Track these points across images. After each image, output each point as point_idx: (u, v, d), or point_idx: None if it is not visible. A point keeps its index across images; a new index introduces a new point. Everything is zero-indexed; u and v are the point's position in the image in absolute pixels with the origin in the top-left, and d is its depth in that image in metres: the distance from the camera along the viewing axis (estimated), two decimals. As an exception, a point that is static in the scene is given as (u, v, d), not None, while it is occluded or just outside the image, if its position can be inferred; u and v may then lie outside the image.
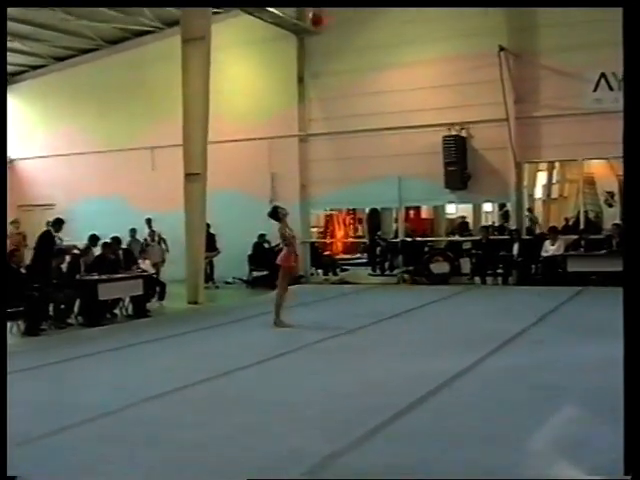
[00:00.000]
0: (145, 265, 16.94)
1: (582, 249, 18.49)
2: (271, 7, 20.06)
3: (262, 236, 21.56)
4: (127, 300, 15.62)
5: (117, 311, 15.54)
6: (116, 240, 16.07)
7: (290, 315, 13.47)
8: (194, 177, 17.42)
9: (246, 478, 5.17)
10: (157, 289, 16.78)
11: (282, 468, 5.50)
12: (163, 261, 20.07)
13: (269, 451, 5.95)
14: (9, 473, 4.79)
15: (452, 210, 27.03)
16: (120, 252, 16.40)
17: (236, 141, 22.18)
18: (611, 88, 18.86)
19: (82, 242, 16.83)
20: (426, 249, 21.72)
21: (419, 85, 20.51)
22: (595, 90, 19.02)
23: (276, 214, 13.31)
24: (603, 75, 18.88)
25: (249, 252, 21.64)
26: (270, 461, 5.69)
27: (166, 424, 6.87)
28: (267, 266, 21.47)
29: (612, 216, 21.87)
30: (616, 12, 18.41)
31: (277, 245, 21.47)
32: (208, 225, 19.06)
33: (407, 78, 20.73)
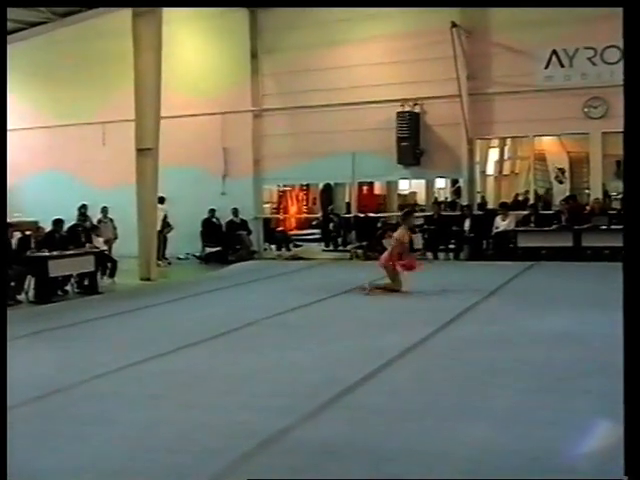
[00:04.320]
0: (97, 242, 16.77)
1: (532, 224, 18.72)
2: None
3: (212, 211, 21.53)
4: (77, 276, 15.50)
5: (68, 288, 15.40)
6: (59, 222, 15.68)
7: (251, 290, 13.45)
8: (146, 152, 17.23)
9: (212, 461, 5.18)
10: (108, 266, 16.65)
11: (234, 443, 5.51)
12: (115, 238, 19.88)
13: (221, 426, 5.95)
14: None
15: (405, 186, 27.15)
16: (80, 229, 16.29)
17: (189, 116, 21.98)
18: (562, 65, 19.06)
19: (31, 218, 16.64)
20: (379, 225, 21.81)
21: (373, 61, 20.51)
22: (546, 67, 19.21)
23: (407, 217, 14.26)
24: (554, 52, 19.07)
25: (201, 228, 21.57)
26: (222, 436, 5.69)
27: (117, 401, 6.82)
28: (219, 242, 21.49)
29: (562, 192, 22.16)
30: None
31: (231, 221, 21.50)
32: (163, 200, 19.03)
33: (361, 54, 20.71)
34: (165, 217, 20.70)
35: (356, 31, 20.69)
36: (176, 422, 6.13)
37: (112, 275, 16.74)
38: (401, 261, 13.27)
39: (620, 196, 21.46)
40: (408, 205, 26.34)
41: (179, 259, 21.80)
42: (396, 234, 13.74)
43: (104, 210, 19.97)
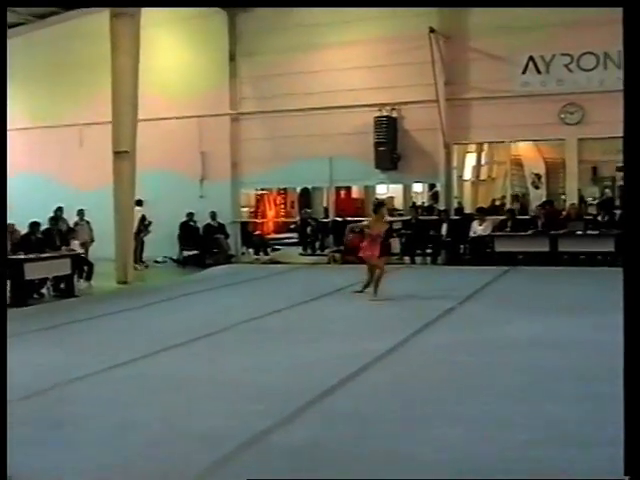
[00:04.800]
0: (73, 245, 16.67)
1: (509, 229, 18.83)
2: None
3: (190, 215, 21.47)
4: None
5: (44, 291, 15.30)
6: (35, 224, 15.57)
7: (228, 294, 13.31)
8: (123, 155, 17.16)
9: (185, 462, 5.17)
10: (85, 269, 16.57)
11: (207, 447, 5.50)
12: (92, 240, 19.74)
13: (197, 430, 5.94)
14: None
15: (383, 191, 27.18)
16: (55, 232, 16.18)
17: (166, 119, 21.89)
18: (539, 71, 19.19)
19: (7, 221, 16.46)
20: (356, 229, 21.79)
21: (351, 65, 20.54)
22: (523, 73, 19.34)
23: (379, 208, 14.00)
24: (531, 58, 19.20)
25: (178, 232, 21.52)
26: (198, 440, 5.69)
27: (93, 404, 6.80)
28: (197, 245, 21.45)
29: (538, 197, 22.29)
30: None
31: (208, 225, 21.44)
32: (140, 202, 18.99)
33: (340, 58, 20.72)
34: (143, 219, 20.63)
35: (334, 35, 20.70)
36: (151, 426, 6.11)
37: (89, 278, 16.66)
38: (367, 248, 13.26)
39: (596, 201, 21.63)
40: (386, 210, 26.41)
41: (156, 262, 21.71)
42: (365, 222, 13.80)
43: (80, 213, 19.84)
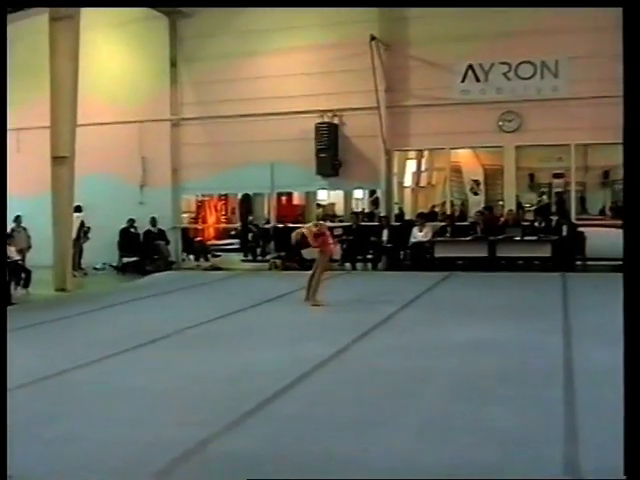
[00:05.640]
0: (10, 252, 16.38)
1: (448, 235, 19.05)
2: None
3: (131, 221, 21.29)
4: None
5: (-21, 298, 15.01)
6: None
7: (169, 301, 13.19)
8: (62, 160, 16.91)
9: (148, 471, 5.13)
10: (22, 276, 16.28)
11: (155, 455, 5.46)
12: (29, 247, 19.44)
13: (141, 439, 5.88)
14: None
15: (324, 197, 27.29)
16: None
17: (106, 124, 21.67)
18: (478, 79, 19.47)
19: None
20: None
21: (293, 72, 20.60)
22: (463, 81, 19.60)
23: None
24: (470, 67, 19.48)
25: (118, 238, 21.31)
26: (142, 449, 5.63)
27: (28, 416, 6.66)
28: (137, 252, 21.25)
29: (477, 203, 22.58)
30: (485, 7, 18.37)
31: (148, 231, 21.25)
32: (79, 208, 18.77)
33: (281, 64, 20.77)
34: (82, 225, 20.38)
35: (276, 41, 20.74)
36: (91, 437, 6.03)
37: (26, 286, 16.37)
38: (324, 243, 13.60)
39: (533, 208, 22.02)
40: (327, 215, 26.54)
41: (95, 269, 21.44)
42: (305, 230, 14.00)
43: (17, 219, 19.52)
